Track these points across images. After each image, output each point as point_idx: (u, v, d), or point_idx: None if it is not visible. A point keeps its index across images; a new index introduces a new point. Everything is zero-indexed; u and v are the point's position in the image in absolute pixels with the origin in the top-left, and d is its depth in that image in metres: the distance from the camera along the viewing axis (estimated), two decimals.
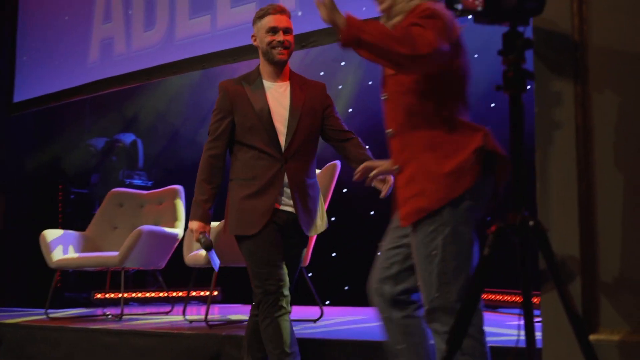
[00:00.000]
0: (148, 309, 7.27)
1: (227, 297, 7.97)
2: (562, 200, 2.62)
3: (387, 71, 2.70)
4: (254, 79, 3.85)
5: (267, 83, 3.85)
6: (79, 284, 8.28)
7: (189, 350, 4.90)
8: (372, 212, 7.39)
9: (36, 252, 6.57)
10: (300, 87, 3.88)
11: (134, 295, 8.02)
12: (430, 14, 2.55)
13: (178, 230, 6.55)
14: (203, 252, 5.54)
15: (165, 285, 6.99)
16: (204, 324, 5.41)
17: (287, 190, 3.76)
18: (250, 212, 3.71)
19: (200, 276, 5.99)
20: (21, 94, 8.17)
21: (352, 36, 2.46)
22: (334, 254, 7.40)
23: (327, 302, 7.12)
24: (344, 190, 7.00)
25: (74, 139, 8.95)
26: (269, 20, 3.81)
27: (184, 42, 6.68)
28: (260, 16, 3.86)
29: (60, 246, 6.48)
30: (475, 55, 7.02)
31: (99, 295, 7.79)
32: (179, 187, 6.87)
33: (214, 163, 3.81)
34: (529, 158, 2.48)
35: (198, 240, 3.78)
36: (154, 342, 5.11)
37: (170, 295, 7.47)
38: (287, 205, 3.77)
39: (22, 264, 8.33)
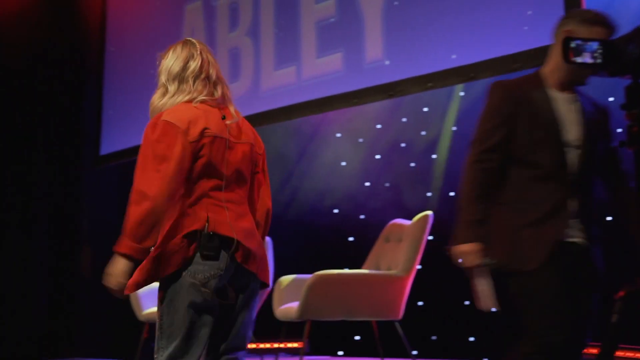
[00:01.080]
0: None
1: (312, 349, 7.88)
2: None
3: None
4: (536, 85, 3.12)
5: (552, 92, 3.11)
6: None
7: None
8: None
9: (121, 302, 6.57)
10: (590, 103, 3.15)
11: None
12: (156, 138, 2.91)
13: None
14: (294, 307, 5.44)
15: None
16: None
17: (575, 220, 3.02)
18: (528, 242, 2.98)
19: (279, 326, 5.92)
20: (107, 147, 8.27)
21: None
22: (420, 303, 7.26)
23: (415, 353, 6.97)
24: (430, 237, 6.89)
25: None
26: (599, 34, 2.93)
27: (269, 94, 6.67)
28: (588, 20, 3.02)
29: (149, 298, 6.48)
30: None
31: None
32: (267, 239, 6.82)
33: (488, 180, 3.04)
34: None
35: (480, 265, 3.01)
36: None
37: (258, 347, 7.39)
38: (576, 237, 3.02)
39: (109, 315, 8.37)
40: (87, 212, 8.78)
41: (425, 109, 7.65)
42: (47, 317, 8.53)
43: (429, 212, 5.21)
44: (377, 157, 8.06)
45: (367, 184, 8.08)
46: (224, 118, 3.05)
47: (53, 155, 8.73)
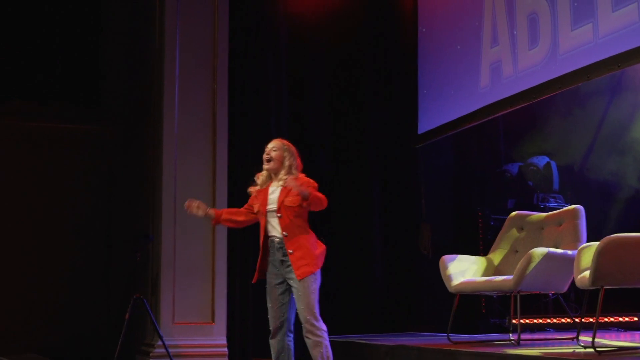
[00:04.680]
0: (557, 335, 7.06)
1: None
2: None
3: (285, 202, 5.36)
4: None
5: None
6: (502, 309, 8.28)
7: None
8: None
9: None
10: None
11: (549, 320, 7.80)
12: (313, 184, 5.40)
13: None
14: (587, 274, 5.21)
15: (577, 309, 6.72)
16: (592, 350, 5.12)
17: None
18: None
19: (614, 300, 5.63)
20: (424, 126, 8.49)
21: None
22: None
23: None
24: None
25: (489, 165, 9.06)
26: None
27: (567, 55, 6.43)
28: None
29: (461, 271, 6.56)
30: None
31: (514, 321, 7.70)
32: (579, 207, 6.55)
33: None
34: None
35: None
36: None
37: (585, 321, 7.06)
38: None
39: (439, 290, 8.54)
40: (424, 190, 9.04)
41: None
42: (384, 293, 8.94)
43: None
44: None
45: None
46: None
47: (383, 135, 9.08)
